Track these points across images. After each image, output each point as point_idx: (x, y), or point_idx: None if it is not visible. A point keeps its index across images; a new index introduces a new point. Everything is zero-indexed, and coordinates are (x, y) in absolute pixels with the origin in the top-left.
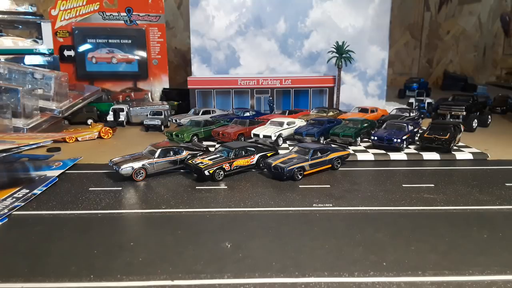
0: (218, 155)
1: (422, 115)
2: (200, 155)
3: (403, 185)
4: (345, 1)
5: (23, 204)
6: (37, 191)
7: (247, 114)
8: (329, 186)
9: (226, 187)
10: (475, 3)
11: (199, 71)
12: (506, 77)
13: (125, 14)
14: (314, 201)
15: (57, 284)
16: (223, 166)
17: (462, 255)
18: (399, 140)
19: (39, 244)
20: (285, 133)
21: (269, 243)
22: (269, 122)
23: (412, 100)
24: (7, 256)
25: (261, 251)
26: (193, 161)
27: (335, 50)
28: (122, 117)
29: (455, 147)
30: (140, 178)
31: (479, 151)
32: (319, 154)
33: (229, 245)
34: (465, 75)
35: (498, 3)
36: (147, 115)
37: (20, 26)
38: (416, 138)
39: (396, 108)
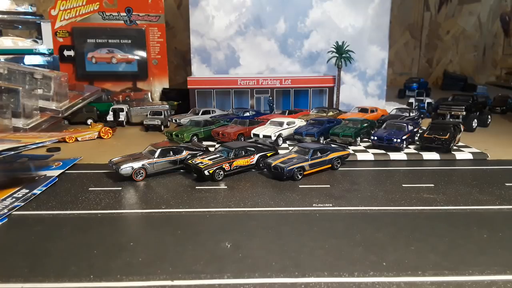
0: (218, 155)
1: (422, 115)
2: (200, 155)
3: (403, 185)
4: (345, 1)
5: (23, 204)
6: (36, 191)
7: (247, 114)
8: (329, 186)
9: (226, 187)
10: (475, 3)
11: (199, 71)
12: (506, 77)
13: (125, 14)
14: (314, 201)
15: (57, 284)
16: (223, 166)
17: (462, 255)
18: (399, 140)
19: (39, 244)
20: (285, 133)
21: (269, 243)
22: (269, 122)
23: (412, 100)
24: (7, 256)
25: (261, 251)
26: (193, 161)
27: (335, 50)
28: (122, 117)
29: (455, 147)
30: (140, 178)
31: (479, 151)
32: (319, 154)
33: (229, 245)
34: (465, 75)
35: (498, 3)
36: (147, 115)
37: (20, 26)
38: (416, 138)
39: (396, 108)
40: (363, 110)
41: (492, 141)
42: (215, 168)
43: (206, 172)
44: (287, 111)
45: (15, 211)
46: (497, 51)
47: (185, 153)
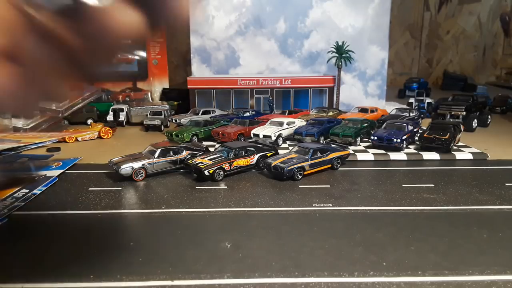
0: (218, 155)
1: (422, 115)
2: (200, 155)
3: (403, 185)
4: (345, 1)
5: (23, 204)
6: (37, 191)
7: (247, 114)
8: (329, 186)
9: (226, 187)
10: (475, 3)
11: (199, 71)
12: (506, 77)
13: None
14: (314, 201)
15: (57, 284)
16: (223, 166)
17: (462, 255)
18: (399, 140)
19: (39, 244)
20: (285, 133)
21: (269, 243)
22: (269, 122)
23: (412, 100)
24: (7, 256)
25: (261, 251)
26: (193, 161)
27: (335, 50)
28: (122, 117)
29: (455, 147)
30: (140, 178)
31: (479, 151)
32: (319, 154)
33: (229, 245)
34: (465, 75)
35: (498, 3)
36: (147, 115)
37: None
38: (416, 138)
39: (396, 108)
40: (363, 110)
41: (492, 141)
42: (215, 168)
43: (206, 172)
44: (287, 111)
45: (15, 211)
46: (497, 51)
47: (185, 153)
